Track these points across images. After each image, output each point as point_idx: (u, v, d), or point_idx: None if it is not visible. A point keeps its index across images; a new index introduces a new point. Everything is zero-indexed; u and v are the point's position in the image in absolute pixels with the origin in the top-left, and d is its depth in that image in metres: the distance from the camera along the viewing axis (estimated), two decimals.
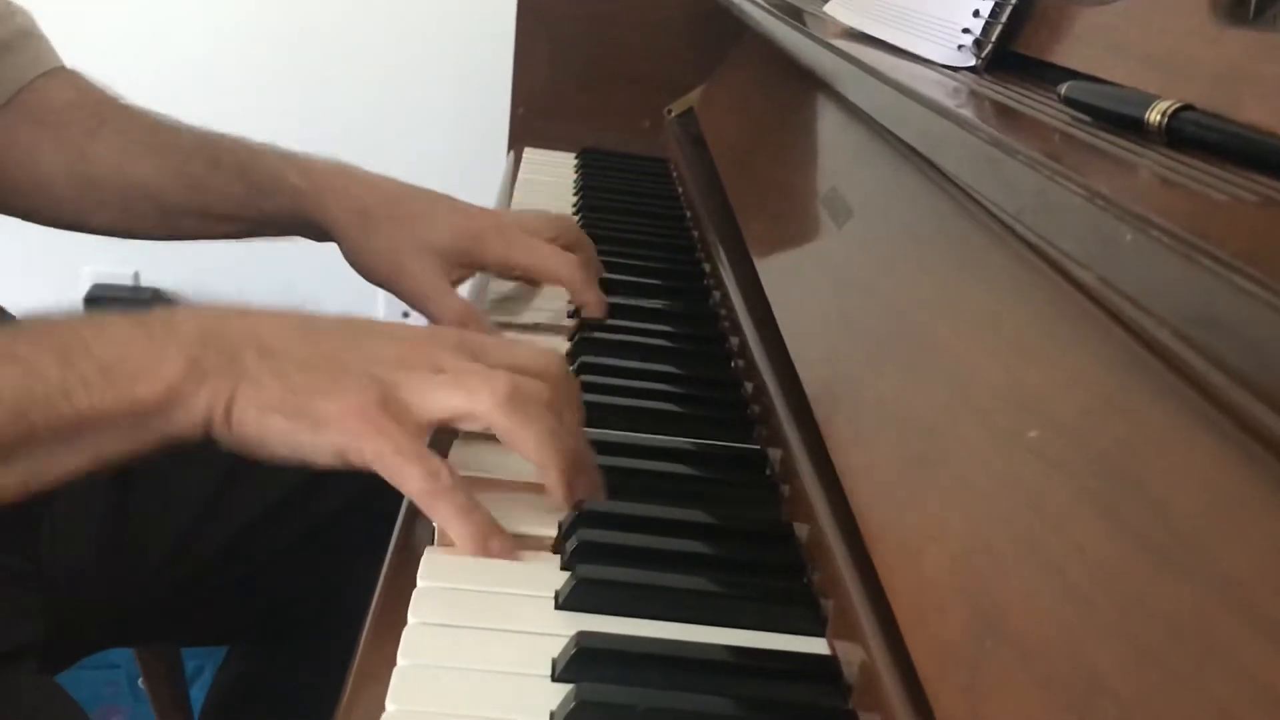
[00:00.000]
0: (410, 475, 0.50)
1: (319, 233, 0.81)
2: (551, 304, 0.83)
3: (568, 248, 0.81)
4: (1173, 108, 0.43)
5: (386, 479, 0.50)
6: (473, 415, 0.52)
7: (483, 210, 0.84)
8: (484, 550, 0.50)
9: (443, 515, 0.50)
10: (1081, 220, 0.36)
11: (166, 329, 0.51)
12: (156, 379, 0.49)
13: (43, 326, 0.52)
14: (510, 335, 0.66)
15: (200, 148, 0.82)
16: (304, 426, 0.50)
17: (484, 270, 0.82)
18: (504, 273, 0.82)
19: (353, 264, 0.80)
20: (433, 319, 0.76)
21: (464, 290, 0.82)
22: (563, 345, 0.75)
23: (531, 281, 0.84)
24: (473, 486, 0.52)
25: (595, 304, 0.79)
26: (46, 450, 0.49)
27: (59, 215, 0.84)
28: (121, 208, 0.83)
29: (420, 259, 0.76)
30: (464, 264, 0.79)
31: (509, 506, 0.54)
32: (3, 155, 0.81)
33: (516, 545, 0.52)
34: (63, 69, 0.85)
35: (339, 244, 0.80)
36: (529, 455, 0.52)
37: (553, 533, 0.53)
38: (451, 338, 0.56)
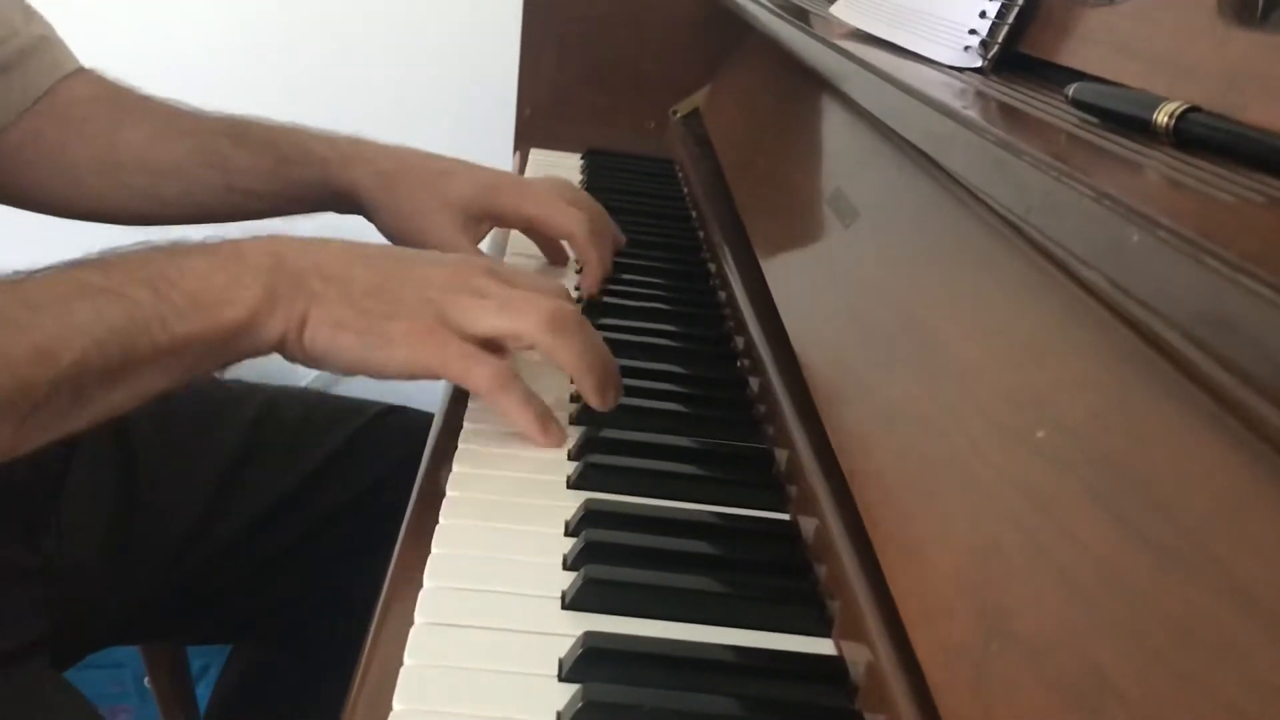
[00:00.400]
0: (478, 374, 0.58)
1: (345, 201, 0.84)
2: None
3: (573, 205, 0.84)
4: (1180, 109, 0.43)
5: (453, 381, 0.59)
6: (519, 334, 0.59)
7: (500, 170, 0.87)
8: (545, 433, 0.59)
9: (507, 406, 0.59)
10: (1089, 221, 0.36)
11: (237, 260, 0.58)
12: (240, 305, 0.56)
13: (129, 262, 0.57)
14: None
15: (224, 127, 0.85)
16: (374, 342, 0.57)
17: (499, 223, 0.87)
18: (517, 225, 0.86)
19: (379, 227, 0.83)
20: None
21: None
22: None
23: (543, 240, 0.88)
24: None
25: (596, 263, 0.82)
26: (145, 372, 0.55)
27: (89, 207, 0.86)
28: (150, 193, 0.85)
29: (442, 216, 0.80)
30: (482, 217, 0.83)
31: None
32: (33, 154, 0.83)
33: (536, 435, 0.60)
34: (84, 69, 0.87)
35: (365, 209, 0.83)
36: (570, 367, 0.60)
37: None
38: (483, 264, 0.63)
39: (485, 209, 0.82)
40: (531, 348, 0.60)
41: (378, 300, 0.58)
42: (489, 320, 0.59)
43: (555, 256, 0.89)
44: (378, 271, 0.59)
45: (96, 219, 0.87)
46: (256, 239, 0.60)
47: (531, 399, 0.59)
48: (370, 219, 0.83)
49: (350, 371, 0.59)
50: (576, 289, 0.85)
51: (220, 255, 0.58)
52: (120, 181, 0.85)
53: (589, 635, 0.45)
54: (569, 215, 0.82)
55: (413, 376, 0.58)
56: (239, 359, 0.58)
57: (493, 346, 0.60)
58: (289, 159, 0.83)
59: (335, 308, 0.57)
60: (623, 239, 0.91)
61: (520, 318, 0.59)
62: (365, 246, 0.62)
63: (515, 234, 0.92)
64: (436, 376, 0.59)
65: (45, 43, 0.84)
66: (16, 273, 0.56)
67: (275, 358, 0.60)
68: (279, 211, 0.86)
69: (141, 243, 0.59)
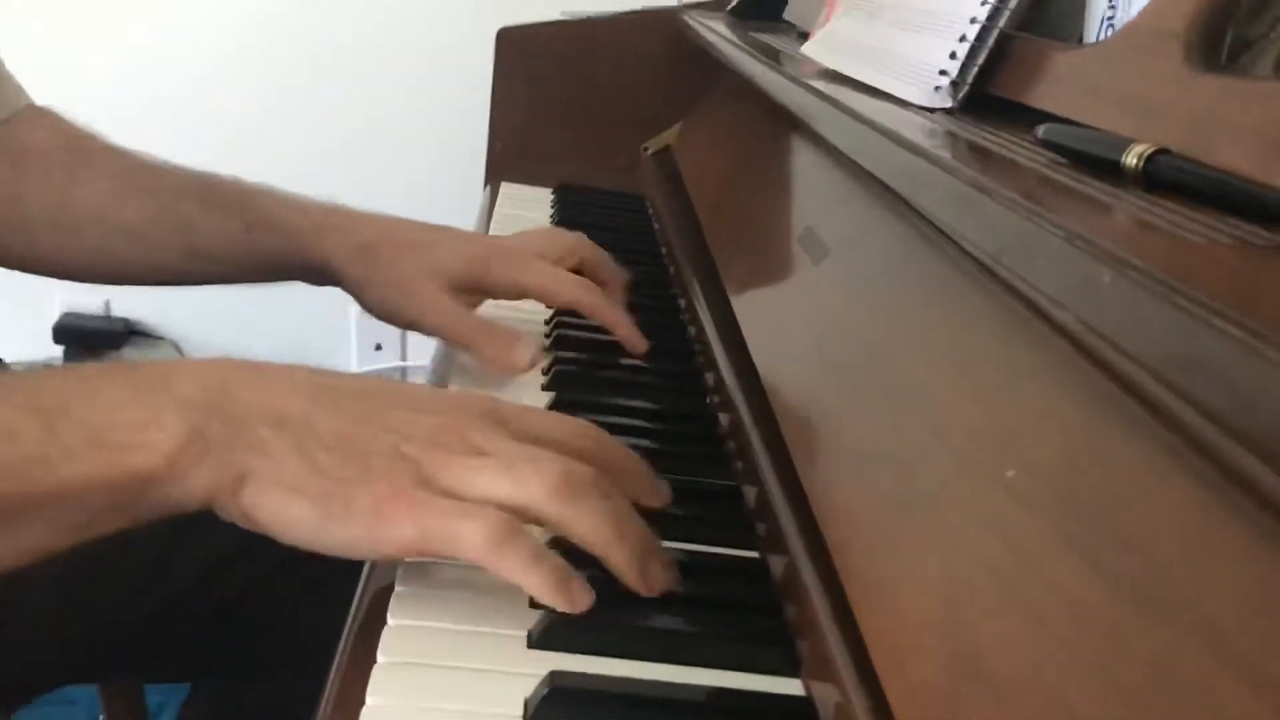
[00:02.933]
0: (466, 533, 0.45)
1: (317, 273, 0.78)
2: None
3: (579, 268, 0.80)
4: (1149, 151, 0.44)
5: (438, 553, 0.46)
6: (521, 506, 0.47)
7: (488, 236, 0.83)
8: (566, 596, 0.46)
9: (511, 569, 0.45)
10: (1061, 261, 0.36)
11: (163, 390, 0.46)
12: (153, 450, 0.45)
13: (20, 382, 0.47)
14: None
15: (191, 188, 0.80)
16: (333, 513, 0.45)
17: (492, 295, 0.79)
18: (511, 297, 0.80)
19: (360, 301, 0.77)
20: (453, 339, 0.74)
21: None
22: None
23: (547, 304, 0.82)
24: None
25: (622, 324, 0.77)
26: (20, 523, 0.44)
27: (38, 260, 0.82)
28: (106, 252, 0.80)
29: (429, 285, 0.74)
30: (472, 290, 0.77)
31: None
32: None
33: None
34: (38, 108, 0.83)
35: (342, 283, 0.77)
36: (589, 545, 0.48)
37: None
38: (480, 407, 0.51)
39: (475, 282, 0.76)
40: (538, 522, 0.48)
41: (341, 458, 0.46)
42: (482, 486, 0.46)
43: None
44: (345, 416, 0.48)
45: (51, 274, 0.83)
46: (197, 363, 0.49)
47: (541, 556, 0.46)
48: (350, 293, 0.78)
49: (303, 546, 0.47)
50: (548, 337, 0.83)
51: (140, 383, 0.47)
52: (75, 239, 0.80)
53: (555, 675, 0.45)
54: (569, 284, 0.77)
55: (385, 558, 0.48)
56: (151, 516, 0.46)
57: None
58: (257, 225, 0.78)
59: (286, 465, 0.45)
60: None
61: (521, 481, 0.46)
62: (335, 378, 0.50)
63: None
64: (415, 553, 0.47)
65: None
66: None
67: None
68: (246, 279, 0.82)
69: (59, 366, 0.51)
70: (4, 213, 0.80)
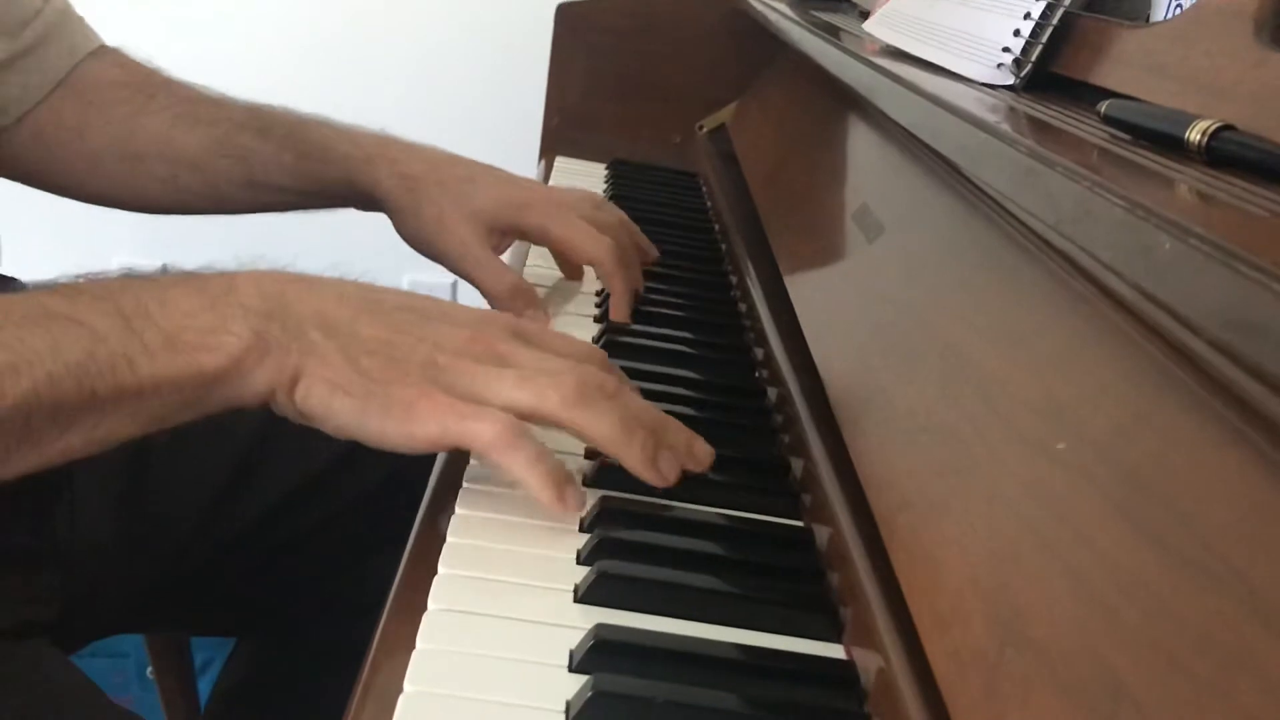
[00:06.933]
0: (479, 431, 0.50)
1: (367, 201, 0.82)
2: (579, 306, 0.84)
3: (601, 227, 0.82)
4: (1213, 127, 0.43)
5: (455, 445, 0.51)
6: (538, 411, 0.52)
7: (527, 180, 0.86)
8: (560, 497, 0.51)
9: (515, 464, 0.50)
10: (1120, 229, 0.36)
11: (229, 297, 0.52)
12: (222, 351, 0.50)
13: (104, 289, 0.52)
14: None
15: (248, 119, 0.84)
16: (373, 408, 0.51)
17: (523, 239, 0.84)
18: (541, 244, 0.83)
19: (398, 230, 0.81)
20: (478, 284, 0.78)
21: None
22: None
23: (565, 259, 0.85)
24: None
25: (621, 293, 0.79)
26: (106, 415, 0.50)
27: (108, 193, 0.86)
28: (170, 182, 0.84)
29: (465, 225, 0.78)
30: (505, 231, 0.80)
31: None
32: (51, 136, 0.82)
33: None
34: (105, 47, 0.86)
35: (387, 211, 0.81)
36: (604, 447, 0.53)
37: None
38: (506, 324, 0.56)
39: (510, 223, 0.79)
40: (557, 426, 0.53)
41: (380, 362, 0.52)
42: (505, 394, 0.52)
43: (573, 273, 0.88)
44: (385, 326, 0.53)
45: (118, 205, 0.87)
46: (257, 274, 0.54)
47: (543, 457, 0.51)
48: (391, 220, 0.82)
49: (344, 436, 0.53)
50: (598, 306, 0.84)
51: (209, 291, 0.52)
52: (140, 169, 0.84)
53: (601, 627, 0.45)
54: (594, 242, 0.79)
55: (413, 450, 0.52)
56: (218, 409, 0.52)
57: None
58: (311, 155, 0.82)
59: (333, 365, 0.51)
60: (655, 253, 0.90)
61: (540, 392, 0.52)
62: (379, 292, 0.56)
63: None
64: (439, 447, 0.53)
65: (66, 19, 0.83)
66: None
67: None
68: (302, 205, 0.85)
69: (125, 269, 0.55)
70: (74, 145, 0.83)
